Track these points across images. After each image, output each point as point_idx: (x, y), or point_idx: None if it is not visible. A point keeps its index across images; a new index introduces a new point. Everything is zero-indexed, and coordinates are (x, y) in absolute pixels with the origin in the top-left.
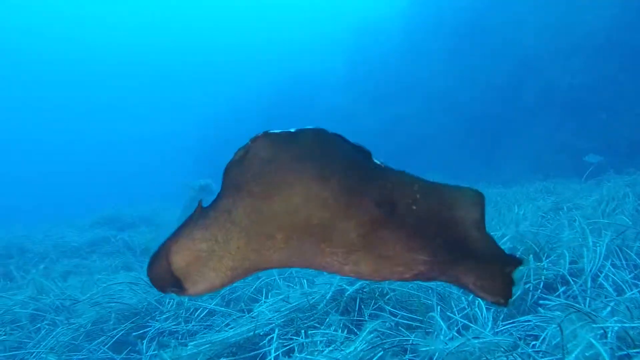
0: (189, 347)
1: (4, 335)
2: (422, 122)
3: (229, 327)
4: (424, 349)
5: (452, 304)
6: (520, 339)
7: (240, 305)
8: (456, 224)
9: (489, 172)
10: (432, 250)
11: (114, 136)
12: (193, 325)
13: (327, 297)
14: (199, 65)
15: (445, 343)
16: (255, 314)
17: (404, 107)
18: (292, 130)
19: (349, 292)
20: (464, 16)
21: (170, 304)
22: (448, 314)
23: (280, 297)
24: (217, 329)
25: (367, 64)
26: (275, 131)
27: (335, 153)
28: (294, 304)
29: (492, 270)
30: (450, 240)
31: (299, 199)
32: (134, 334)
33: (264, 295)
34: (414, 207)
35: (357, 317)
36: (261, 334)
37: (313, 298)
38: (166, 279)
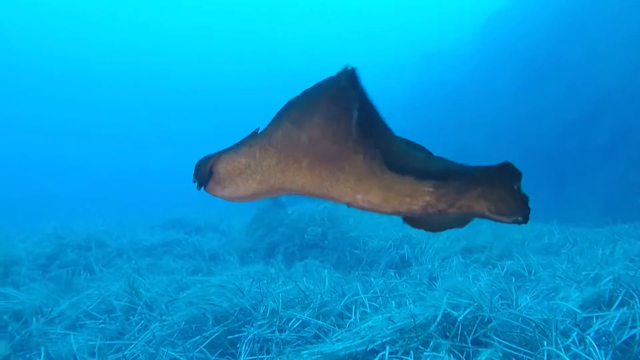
0: (304, 355)
1: (103, 323)
2: (487, 154)
3: (336, 340)
4: None
5: (558, 340)
6: None
7: (331, 319)
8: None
9: (556, 211)
10: (436, 182)
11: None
12: (287, 335)
13: (437, 320)
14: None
15: None
16: (357, 329)
17: (469, 137)
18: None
19: (453, 317)
20: (539, 49)
21: (264, 311)
22: (558, 349)
23: (386, 315)
24: (314, 340)
25: (434, 91)
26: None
27: (349, 103)
28: (399, 324)
29: (501, 191)
30: (453, 172)
31: (319, 132)
32: (229, 337)
33: (352, 312)
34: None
35: (459, 342)
36: (367, 350)
37: (418, 320)
38: (201, 174)
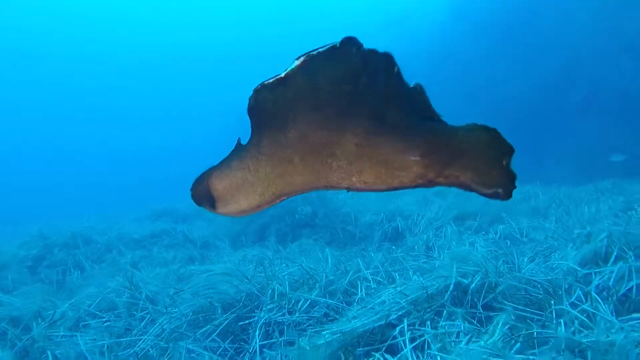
0: (326, 335)
1: (108, 322)
2: (462, 119)
3: (352, 317)
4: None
5: (564, 298)
6: None
7: (339, 297)
8: (444, 126)
9: (535, 172)
10: (423, 150)
11: (167, 137)
12: (298, 316)
13: (450, 289)
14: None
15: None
16: (371, 305)
17: (443, 103)
18: (282, 75)
19: (463, 285)
20: (508, 13)
21: (272, 294)
22: (566, 306)
23: (399, 289)
24: (324, 319)
25: (404, 58)
26: (269, 80)
27: (323, 88)
28: (411, 297)
29: (489, 165)
30: (439, 141)
31: (303, 126)
32: (239, 323)
33: (359, 289)
34: (403, 116)
35: (470, 309)
36: (384, 324)
37: (430, 290)
38: (203, 197)
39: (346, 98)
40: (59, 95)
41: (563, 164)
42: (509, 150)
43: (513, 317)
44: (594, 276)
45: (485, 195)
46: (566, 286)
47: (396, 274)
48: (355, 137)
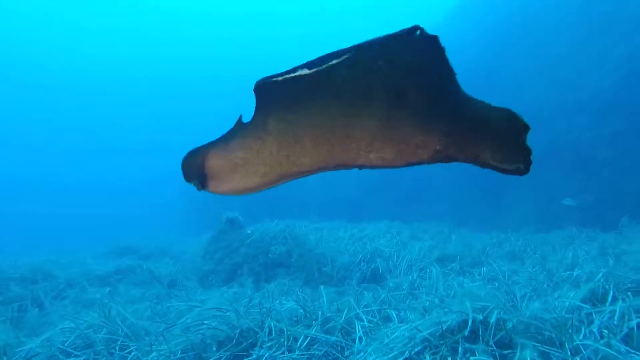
0: None
1: None
2: (423, 167)
3: (364, 354)
4: None
5: (574, 335)
6: None
7: (337, 334)
8: (466, 102)
9: (497, 219)
10: (445, 130)
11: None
12: (298, 355)
13: (469, 325)
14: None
15: None
16: (387, 341)
17: (413, 172)
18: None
19: (478, 321)
20: (474, 64)
21: (269, 331)
22: (581, 342)
23: (409, 325)
24: (333, 358)
25: None
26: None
27: (342, 72)
28: (425, 333)
29: (507, 142)
30: (460, 120)
31: (319, 107)
32: None
33: (357, 328)
34: (425, 95)
35: (486, 346)
36: None
37: (442, 327)
38: (195, 174)
39: (366, 79)
40: (7, 127)
41: (522, 211)
42: (525, 128)
43: (535, 354)
44: (594, 315)
45: (505, 171)
46: (576, 323)
47: (393, 312)
48: (376, 118)
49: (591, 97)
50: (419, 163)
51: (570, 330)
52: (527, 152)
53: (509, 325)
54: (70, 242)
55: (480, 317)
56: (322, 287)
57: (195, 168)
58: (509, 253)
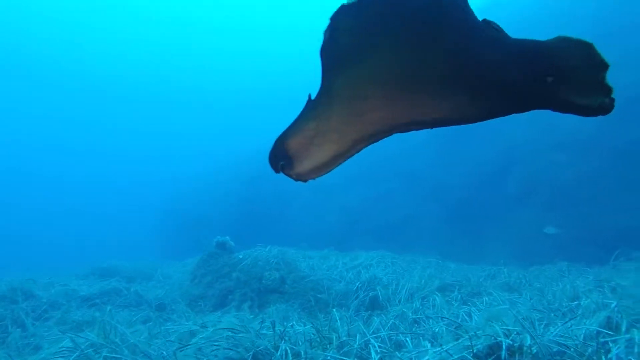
0: None
1: None
2: (406, 201)
3: None
4: None
5: None
6: None
7: (352, 358)
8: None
9: (479, 254)
10: (527, 77)
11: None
12: None
13: (503, 348)
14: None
15: None
16: None
17: (383, 188)
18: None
19: (506, 346)
20: None
21: (286, 354)
22: None
23: (439, 349)
24: None
25: None
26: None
27: (405, 15)
28: (456, 357)
29: (590, 79)
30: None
31: (389, 58)
32: None
33: (371, 351)
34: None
35: None
36: None
37: (472, 352)
38: (279, 158)
39: (430, 26)
40: None
41: (503, 246)
42: (606, 65)
43: None
44: (610, 344)
45: (587, 109)
46: (589, 351)
47: (407, 338)
48: (442, 68)
49: (569, 135)
50: (501, 115)
51: (594, 358)
52: (609, 90)
53: (534, 350)
54: (47, 262)
55: (509, 341)
56: (334, 310)
57: (279, 153)
58: (504, 284)
